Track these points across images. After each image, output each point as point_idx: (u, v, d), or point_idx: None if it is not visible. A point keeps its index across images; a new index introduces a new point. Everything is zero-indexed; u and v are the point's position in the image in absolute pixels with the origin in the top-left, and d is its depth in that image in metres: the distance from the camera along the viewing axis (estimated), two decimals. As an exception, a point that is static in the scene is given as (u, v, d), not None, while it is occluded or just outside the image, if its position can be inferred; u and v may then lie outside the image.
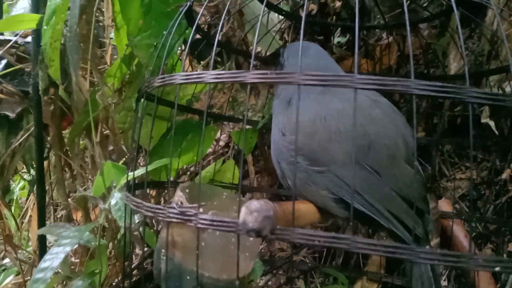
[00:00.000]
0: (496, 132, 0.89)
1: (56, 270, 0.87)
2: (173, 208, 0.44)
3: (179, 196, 0.48)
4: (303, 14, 0.42)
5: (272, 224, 0.38)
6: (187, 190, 0.51)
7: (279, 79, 0.40)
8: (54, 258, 0.62)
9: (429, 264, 0.48)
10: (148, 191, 0.93)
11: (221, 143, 1.22)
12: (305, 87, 0.52)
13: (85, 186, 0.86)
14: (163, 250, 0.48)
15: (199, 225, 0.42)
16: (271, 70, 0.93)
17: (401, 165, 0.51)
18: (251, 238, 0.39)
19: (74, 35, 0.61)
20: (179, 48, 1.04)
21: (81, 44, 0.79)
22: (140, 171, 0.57)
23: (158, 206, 0.46)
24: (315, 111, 0.52)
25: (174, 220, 0.44)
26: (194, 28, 0.53)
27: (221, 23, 0.49)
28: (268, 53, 0.99)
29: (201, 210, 0.42)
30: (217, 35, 0.47)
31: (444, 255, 0.36)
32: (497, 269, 0.37)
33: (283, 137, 0.53)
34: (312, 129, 0.51)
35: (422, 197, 0.53)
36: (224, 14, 0.50)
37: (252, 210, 0.38)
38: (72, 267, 0.99)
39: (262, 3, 0.83)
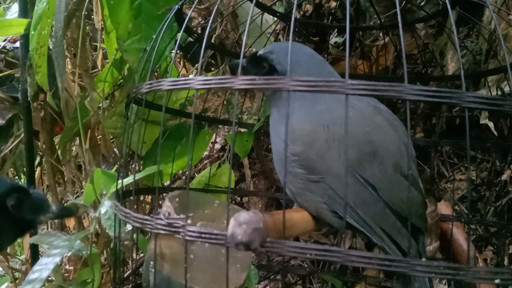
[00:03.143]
0: (495, 133, 0.87)
1: (49, 278, 0.86)
2: (161, 219, 0.42)
3: (167, 206, 0.46)
4: (292, 17, 0.40)
5: (262, 237, 0.37)
6: (177, 199, 0.50)
7: (268, 85, 0.39)
8: (43, 269, 0.60)
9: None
10: (142, 197, 0.91)
11: (217, 146, 1.21)
12: (310, 95, 0.50)
13: (78, 194, 0.85)
14: (151, 262, 0.46)
15: (187, 237, 0.40)
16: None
17: (401, 178, 0.49)
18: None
19: (59, 40, 0.60)
20: (175, 51, 1.02)
21: (72, 49, 0.78)
22: (128, 179, 0.55)
23: (146, 217, 0.45)
24: (317, 119, 0.50)
25: (161, 231, 0.42)
26: (182, 30, 0.51)
27: (209, 25, 0.48)
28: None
29: (189, 221, 0.41)
30: (205, 38, 0.45)
31: (441, 267, 0.35)
32: (497, 281, 0.35)
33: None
34: (312, 138, 0.49)
35: (419, 214, 0.51)
36: (212, 16, 0.48)
37: (241, 222, 0.37)
38: (66, 274, 0.98)
39: (254, 5, 0.81)
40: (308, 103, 0.51)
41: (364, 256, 0.35)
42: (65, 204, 0.85)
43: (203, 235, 0.39)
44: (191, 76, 0.43)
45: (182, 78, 0.44)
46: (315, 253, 0.36)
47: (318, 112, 0.50)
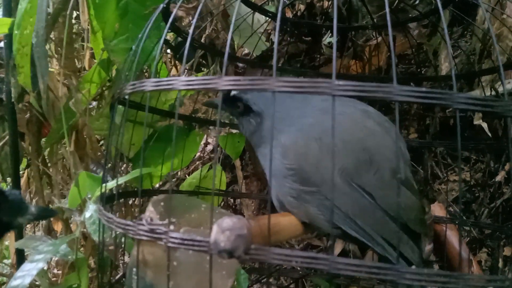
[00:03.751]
0: (489, 134, 0.86)
1: (36, 283, 0.84)
2: (143, 225, 0.41)
3: (149, 211, 0.45)
4: (278, 16, 0.39)
5: (246, 244, 0.35)
6: (162, 203, 0.48)
7: (253, 85, 0.37)
8: (25, 276, 0.58)
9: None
10: (132, 200, 0.89)
11: (209, 148, 1.19)
12: (296, 112, 0.49)
13: (65, 197, 0.83)
14: (134, 269, 0.44)
15: (169, 244, 0.39)
16: (255, 74, 0.90)
17: (398, 184, 0.48)
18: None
19: (41, 40, 0.58)
20: (164, 51, 1.01)
21: (59, 49, 0.76)
22: (113, 183, 0.54)
23: (128, 223, 0.43)
24: (308, 133, 0.49)
25: (143, 237, 0.41)
26: (166, 29, 0.50)
27: (193, 24, 0.46)
28: (255, 55, 0.96)
29: (172, 227, 0.39)
30: (189, 37, 0.44)
31: (431, 275, 0.33)
32: (489, 289, 0.34)
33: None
34: (305, 150, 0.48)
35: (419, 219, 0.50)
36: (197, 15, 0.47)
37: (224, 229, 0.35)
38: (54, 278, 0.96)
39: (245, 5, 0.80)
40: (296, 120, 0.50)
41: (351, 263, 0.34)
42: (52, 207, 0.83)
43: (185, 242, 0.38)
44: (174, 77, 0.42)
45: (165, 79, 0.43)
46: (301, 260, 0.35)
47: (308, 126, 0.49)
